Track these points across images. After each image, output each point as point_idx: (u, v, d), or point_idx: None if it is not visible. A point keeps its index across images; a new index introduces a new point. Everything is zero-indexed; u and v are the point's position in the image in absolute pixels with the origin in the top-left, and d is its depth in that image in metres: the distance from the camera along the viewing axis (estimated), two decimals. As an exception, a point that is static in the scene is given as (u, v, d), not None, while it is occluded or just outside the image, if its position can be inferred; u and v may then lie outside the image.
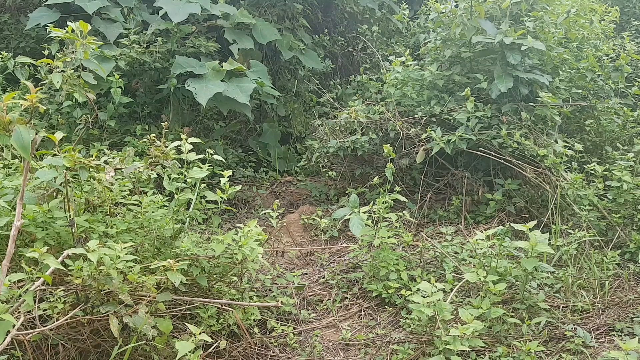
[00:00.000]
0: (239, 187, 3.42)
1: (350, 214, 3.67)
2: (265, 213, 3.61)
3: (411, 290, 3.08)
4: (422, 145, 4.52)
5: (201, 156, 3.15)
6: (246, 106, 4.90)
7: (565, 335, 3.07)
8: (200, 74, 4.91)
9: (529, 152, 4.21)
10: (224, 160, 3.71)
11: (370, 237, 3.68)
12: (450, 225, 4.39)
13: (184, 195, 3.08)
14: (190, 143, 3.10)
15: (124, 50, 4.86)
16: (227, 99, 4.85)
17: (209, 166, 3.18)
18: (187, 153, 3.07)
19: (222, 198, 3.19)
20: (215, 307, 3.00)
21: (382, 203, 3.72)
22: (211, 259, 2.95)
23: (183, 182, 3.10)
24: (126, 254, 2.51)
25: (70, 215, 2.67)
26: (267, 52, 5.99)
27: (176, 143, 3.05)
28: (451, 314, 2.95)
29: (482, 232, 3.24)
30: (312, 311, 3.55)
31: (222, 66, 4.95)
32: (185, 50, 5.22)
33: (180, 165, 3.07)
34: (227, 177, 3.26)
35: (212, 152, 3.29)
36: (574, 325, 3.15)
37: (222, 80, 4.88)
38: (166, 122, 3.65)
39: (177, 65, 4.95)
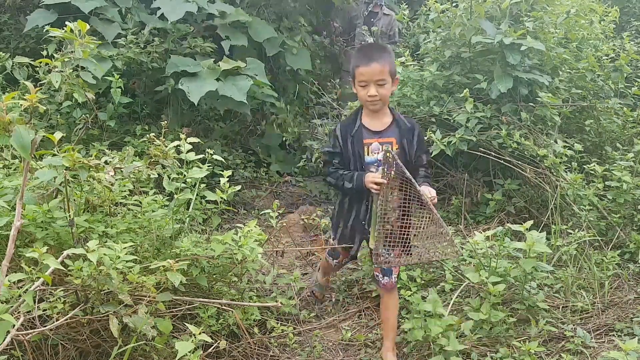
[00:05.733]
0: (238, 187, 3.41)
1: (350, 214, 3.65)
2: (264, 213, 3.60)
3: (411, 290, 3.08)
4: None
5: (201, 156, 3.15)
6: (244, 104, 4.87)
7: (565, 335, 3.07)
8: (195, 72, 4.89)
9: (529, 152, 4.21)
10: (223, 161, 3.71)
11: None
12: (449, 225, 4.39)
13: (183, 195, 3.07)
14: (190, 143, 3.10)
15: (121, 50, 4.86)
16: (224, 97, 4.83)
17: (208, 166, 3.18)
18: (186, 153, 3.07)
19: (221, 198, 3.18)
20: (215, 307, 2.99)
21: (382, 203, 3.71)
22: (211, 260, 2.95)
23: (183, 182, 3.10)
24: (126, 254, 2.51)
25: (70, 215, 2.66)
26: (266, 54, 5.98)
27: (175, 143, 3.05)
28: (451, 314, 2.95)
29: (482, 232, 3.24)
30: (312, 311, 3.55)
31: (218, 65, 4.94)
32: (183, 50, 5.21)
33: (180, 165, 3.07)
34: (227, 178, 3.26)
35: (212, 152, 3.29)
36: (573, 325, 3.15)
37: (217, 79, 4.86)
38: (166, 122, 3.64)
39: (172, 65, 4.93)
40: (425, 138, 4.48)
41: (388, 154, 2.56)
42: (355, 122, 2.84)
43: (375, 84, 2.70)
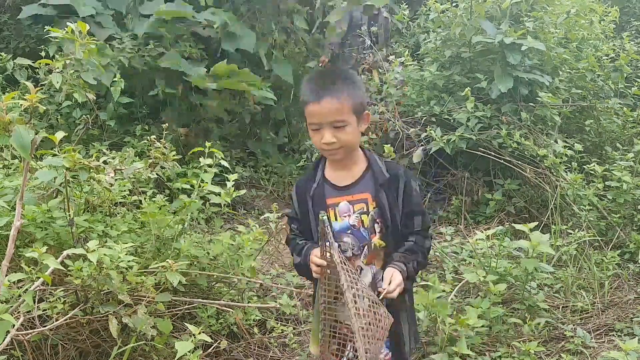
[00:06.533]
0: (243, 192, 3.41)
1: (350, 214, 3.64)
2: (264, 218, 3.59)
3: (411, 291, 3.06)
4: (422, 146, 4.53)
5: (209, 160, 3.14)
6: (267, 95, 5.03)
7: (565, 335, 3.07)
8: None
9: (529, 152, 4.21)
10: (229, 168, 3.68)
11: (370, 237, 3.67)
12: (450, 225, 4.39)
13: (186, 199, 3.05)
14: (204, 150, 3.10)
15: (118, 54, 4.85)
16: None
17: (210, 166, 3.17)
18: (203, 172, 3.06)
19: (224, 201, 3.18)
20: (215, 307, 3.00)
21: (382, 203, 3.70)
22: (211, 262, 2.95)
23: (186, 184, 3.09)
24: (126, 254, 2.51)
25: (70, 215, 2.66)
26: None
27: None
28: (451, 315, 2.95)
29: (482, 232, 3.24)
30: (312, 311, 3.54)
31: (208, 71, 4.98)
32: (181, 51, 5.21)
33: (179, 166, 3.07)
34: (232, 181, 3.23)
35: (220, 156, 3.26)
36: (573, 325, 3.15)
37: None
38: (166, 124, 3.64)
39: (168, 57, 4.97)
40: (424, 134, 4.50)
41: (321, 221, 1.77)
42: (316, 176, 2.02)
43: (331, 127, 1.87)
